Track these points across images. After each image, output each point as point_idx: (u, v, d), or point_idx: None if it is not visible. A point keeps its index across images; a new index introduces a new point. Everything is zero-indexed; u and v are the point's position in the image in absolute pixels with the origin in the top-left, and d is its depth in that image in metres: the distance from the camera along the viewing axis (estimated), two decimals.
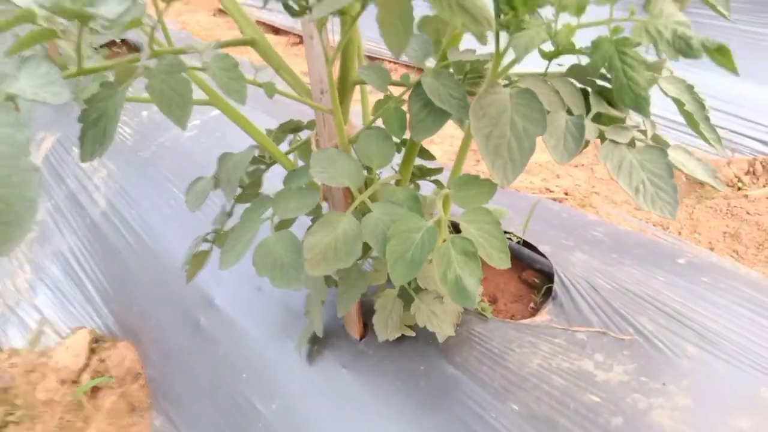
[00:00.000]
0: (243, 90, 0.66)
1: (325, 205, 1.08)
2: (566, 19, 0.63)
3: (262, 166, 1.10)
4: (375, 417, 1.13)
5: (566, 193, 2.25)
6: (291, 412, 1.19)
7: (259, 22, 3.58)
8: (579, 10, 0.62)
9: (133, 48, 2.92)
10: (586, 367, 1.14)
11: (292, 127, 1.13)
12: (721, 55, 0.63)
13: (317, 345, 1.27)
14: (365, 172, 0.86)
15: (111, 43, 2.90)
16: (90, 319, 1.65)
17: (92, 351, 1.51)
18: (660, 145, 0.74)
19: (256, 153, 1.09)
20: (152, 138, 2.11)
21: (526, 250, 1.48)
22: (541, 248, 1.47)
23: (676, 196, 0.70)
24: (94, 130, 0.67)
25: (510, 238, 1.52)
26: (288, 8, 0.68)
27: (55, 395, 1.37)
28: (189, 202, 1.07)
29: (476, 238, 0.74)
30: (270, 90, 0.77)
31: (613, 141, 0.73)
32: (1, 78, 0.59)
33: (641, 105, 0.62)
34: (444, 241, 0.75)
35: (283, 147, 1.09)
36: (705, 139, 0.74)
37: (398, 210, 0.77)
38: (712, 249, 1.88)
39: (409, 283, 1.08)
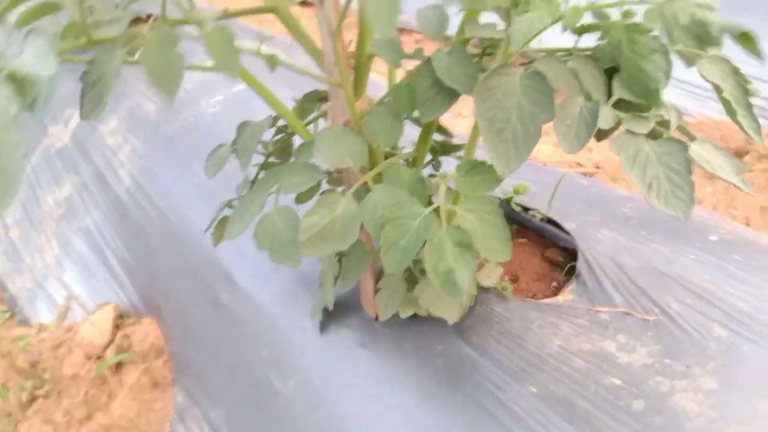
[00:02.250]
0: (235, 62, 0.64)
1: None
2: None
3: (289, 133, 1.09)
4: (391, 396, 1.12)
5: (597, 167, 2.19)
6: (309, 389, 1.19)
7: None
8: None
9: None
10: (608, 349, 1.11)
11: (318, 97, 1.10)
12: (745, 40, 0.58)
13: (335, 324, 1.26)
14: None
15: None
16: (115, 294, 1.67)
17: (117, 327, 1.54)
18: (682, 138, 0.68)
19: (280, 123, 1.07)
20: (176, 114, 2.11)
21: (549, 227, 1.44)
22: (566, 225, 1.43)
23: (693, 195, 0.64)
24: (92, 92, 0.68)
25: (533, 215, 1.48)
26: None
27: (80, 370, 1.40)
28: (208, 168, 1.06)
29: (475, 228, 0.70)
30: (272, 63, 0.75)
31: (629, 131, 0.68)
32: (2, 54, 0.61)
33: (652, 98, 0.56)
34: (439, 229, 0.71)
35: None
36: (742, 129, 0.68)
37: (399, 193, 0.73)
38: (748, 224, 1.81)
39: (415, 264, 1.06)
